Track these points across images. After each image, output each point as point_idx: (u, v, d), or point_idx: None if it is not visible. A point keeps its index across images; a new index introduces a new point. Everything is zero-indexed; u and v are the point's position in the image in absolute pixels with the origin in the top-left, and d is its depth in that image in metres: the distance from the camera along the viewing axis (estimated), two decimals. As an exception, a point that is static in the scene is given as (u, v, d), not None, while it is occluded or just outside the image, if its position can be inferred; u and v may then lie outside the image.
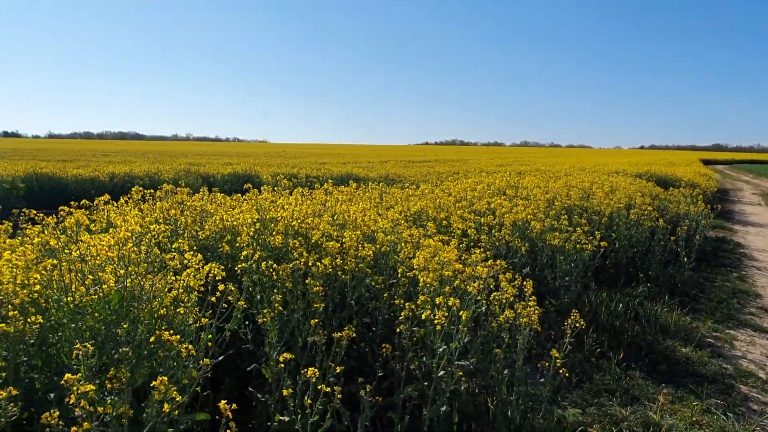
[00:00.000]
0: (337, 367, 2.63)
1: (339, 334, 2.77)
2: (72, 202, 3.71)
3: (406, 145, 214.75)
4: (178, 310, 2.30)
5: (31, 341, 1.92)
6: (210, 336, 2.30)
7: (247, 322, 3.13)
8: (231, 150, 50.78)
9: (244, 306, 3.02)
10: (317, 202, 4.74)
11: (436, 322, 2.91)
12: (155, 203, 3.98)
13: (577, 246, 5.45)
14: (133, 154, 31.28)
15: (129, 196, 4.16)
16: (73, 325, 1.89)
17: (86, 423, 1.48)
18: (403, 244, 3.93)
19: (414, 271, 3.45)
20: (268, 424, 2.91)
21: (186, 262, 2.37)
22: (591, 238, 5.72)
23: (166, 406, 1.69)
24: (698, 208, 9.04)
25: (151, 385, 1.67)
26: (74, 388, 1.50)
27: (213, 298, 2.32)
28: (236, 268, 3.13)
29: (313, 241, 3.75)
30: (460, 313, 2.96)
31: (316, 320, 2.92)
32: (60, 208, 3.29)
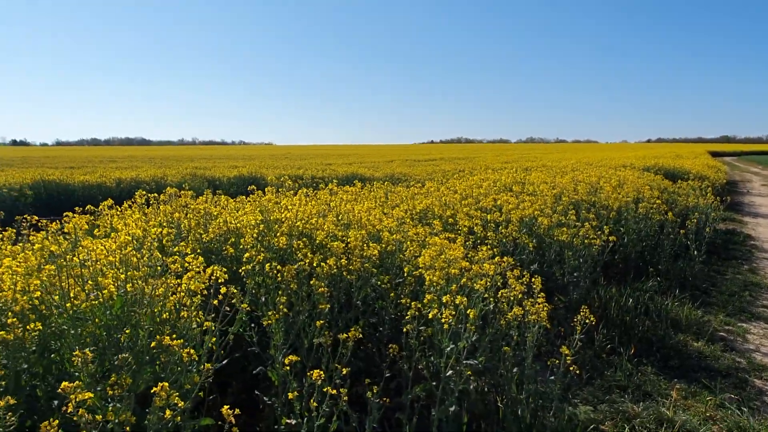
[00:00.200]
0: (344, 369, 2.60)
1: (345, 335, 2.73)
2: (77, 208, 3.70)
3: (412, 144, 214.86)
4: (181, 314, 2.27)
5: (32, 348, 1.90)
6: (213, 340, 2.27)
7: (253, 325, 3.11)
8: (237, 153, 50.93)
9: (249, 309, 3.00)
10: (322, 202, 4.71)
11: (443, 320, 2.86)
12: (159, 207, 3.96)
13: (586, 241, 5.39)
14: (140, 160, 31.43)
15: (133, 200, 4.15)
16: (73, 332, 1.87)
17: (86, 431, 1.46)
18: (408, 242, 3.89)
19: (420, 270, 3.41)
20: (276, 427, 2.88)
21: (187, 265, 2.35)
22: (599, 232, 5.65)
23: (168, 412, 1.66)
24: (707, 201, 8.93)
25: (152, 391, 1.64)
26: (72, 396, 1.47)
27: (215, 302, 2.29)
28: (240, 271, 3.11)
29: (317, 241, 3.72)
30: (468, 312, 2.92)
31: (321, 321, 2.89)
32: (64, 214, 3.28)
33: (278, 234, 3.56)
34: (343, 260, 3.36)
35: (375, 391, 2.64)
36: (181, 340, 1.98)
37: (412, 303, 3.05)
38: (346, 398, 2.37)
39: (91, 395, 1.49)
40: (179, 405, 1.68)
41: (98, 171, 18.75)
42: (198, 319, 2.28)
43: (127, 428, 1.70)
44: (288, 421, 2.81)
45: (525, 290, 3.36)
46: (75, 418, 1.44)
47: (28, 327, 1.89)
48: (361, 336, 2.83)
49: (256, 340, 3.09)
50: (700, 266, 7.63)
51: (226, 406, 1.74)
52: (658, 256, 7.36)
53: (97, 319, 1.93)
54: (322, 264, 3.24)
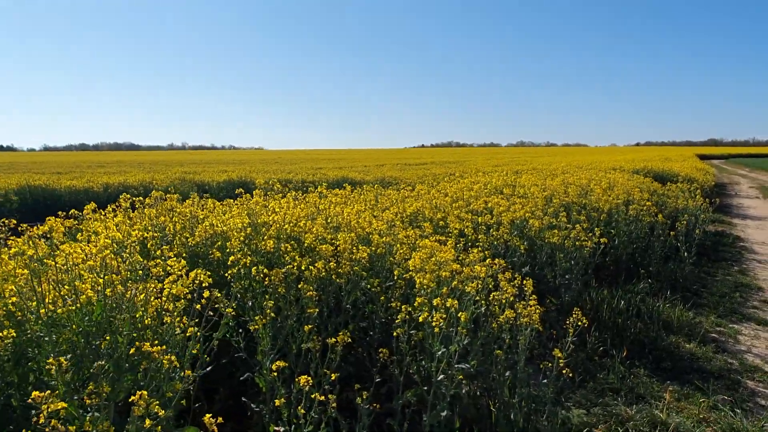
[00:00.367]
0: (333, 374, 2.54)
1: (334, 339, 2.67)
2: (60, 213, 3.62)
3: (402, 148, 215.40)
4: (164, 319, 2.20)
5: (6, 357, 1.82)
6: (197, 345, 2.20)
7: (240, 330, 3.04)
8: (227, 158, 50.72)
9: (236, 313, 2.93)
10: (311, 205, 4.65)
11: (434, 324, 2.81)
12: (144, 210, 3.88)
13: (577, 243, 5.36)
14: (129, 165, 31.19)
15: (117, 203, 4.06)
16: (47, 338, 1.79)
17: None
18: (398, 245, 3.84)
19: (411, 273, 3.36)
20: (263, 434, 2.81)
21: (169, 269, 2.27)
22: (590, 234, 5.64)
23: (147, 421, 1.59)
24: (697, 203, 8.96)
25: (129, 399, 1.57)
26: (44, 406, 1.40)
27: (198, 306, 2.22)
28: (226, 274, 3.04)
29: (306, 244, 3.66)
30: (459, 315, 2.87)
31: (310, 326, 2.83)
32: (47, 218, 3.19)
33: (266, 237, 3.49)
34: (332, 263, 3.30)
35: (365, 396, 2.59)
36: (163, 347, 1.91)
37: (403, 306, 2.99)
38: (335, 404, 2.31)
39: (64, 405, 1.42)
40: (160, 414, 1.61)
41: (85, 176, 18.57)
42: (181, 325, 2.21)
43: (106, 438, 1.63)
44: (276, 428, 2.75)
45: (517, 293, 3.32)
46: (47, 430, 1.37)
47: (1, 334, 1.82)
48: (350, 340, 2.77)
49: (244, 346, 3.02)
50: (690, 268, 7.64)
51: (208, 415, 1.68)
52: (649, 258, 7.36)
53: (74, 326, 1.85)
54: (311, 267, 3.18)
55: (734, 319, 5.94)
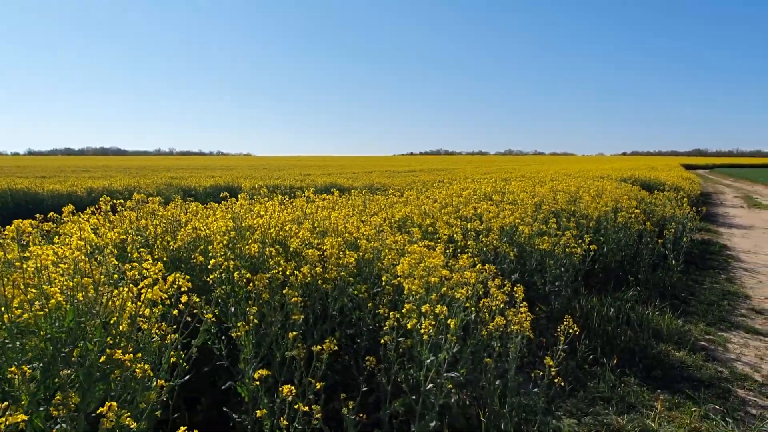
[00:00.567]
0: (318, 384, 2.44)
1: (320, 347, 2.58)
2: (37, 215, 3.49)
3: (391, 155, 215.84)
4: (140, 325, 2.09)
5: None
6: (173, 353, 2.09)
7: (223, 337, 2.94)
8: (215, 163, 50.37)
9: (218, 319, 2.82)
10: (297, 209, 4.55)
11: (423, 331, 2.73)
12: (124, 213, 3.76)
13: (567, 250, 5.32)
14: (115, 170, 30.82)
15: (97, 206, 3.93)
16: (11, 345, 1.68)
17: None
18: (387, 250, 3.76)
19: (399, 279, 3.28)
20: (245, 446, 2.70)
21: (145, 272, 2.16)
22: (580, 241, 5.59)
23: (117, 434, 1.49)
24: (684, 211, 8.99)
25: (98, 411, 1.47)
26: (2, 419, 1.29)
27: (175, 312, 2.11)
28: (208, 279, 2.94)
29: (291, 249, 3.56)
30: (449, 322, 2.79)
31: (294, 333, 2.73)
32: (14, 221, 3.06)
33: (250, 241, 3.39)
34: (318, 268, 3.21)
35: (351, 406, 2.49)
36: (138, 354, 1.81)
37: (391, 313, 2.91)
38: (319, 415, 2.21)
39: (24, 417, 1.31)
40: (132, 426, 1.51)
41: (69, 180, 18.28)
42: (159, 331, 2.10)
43: (75, 452, 1.53)
44: (258, 440, 2.64)
45: (507, 300, 3.25)
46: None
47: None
48: (336, 348, 2.68)
49: (226, 353, 2.92)
50: (678, 276, 7.64)
51: (183, 428, 1.57)
52: (638, 266, 7.35)
53: (42, 332, 1.74)
54: (296, 272, 3.08)
55: (723, 327, 5.93)
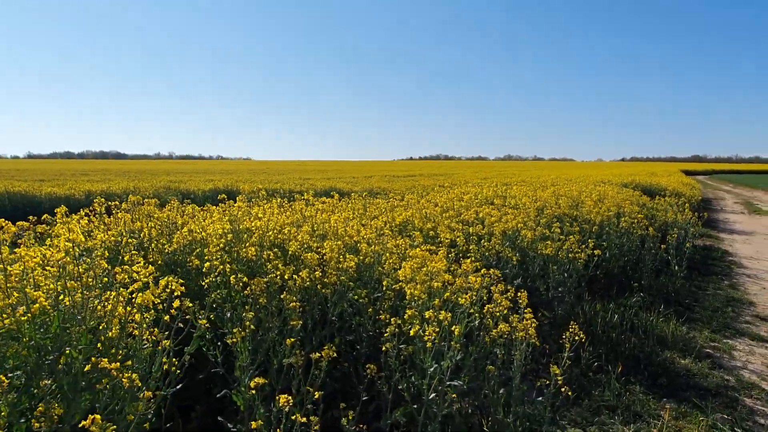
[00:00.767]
0: (317, 392, 2.35)
1: (318, 354, 2.49)
2: (30, 217, 3.40)
3: (391, 160, 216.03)
4: (133, 332, 2.00)
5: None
6: (165, 361, 1.99)
7: (218, 343, 2.85)
8: (214, 168, 50.35)
9: (214, 325, 2.73)
10: (296, 212, 4.46)
11: (426, 338, 2.63)
12: (119, 215, 3.67)
13: (570, 255, 5.23)
14: (114, 173, 30.75)
15: (92, 208, 3.84)
16: (-9, 353, 1.59)
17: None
18: (388, 254, 3.66)
19: (400, 283, 3.19)
20: (240, 457, 2.60)
21: (135, 275, 2.07)
22: (584, 246, 5.50)
23: (103, 448, 1.40)
24: (686, 216, 8.90)
25: (81, 425, 1.37)
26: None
27: (167, 317, 2.02)
28: (203, 283, 2.84)
29: (290, 252, 3.47)
30: (452, 328, 2.70)
31: (293, 339, 2.64)
32: (17, 223, 2.98)
33: (247, 244, 3.30)
34: (317, 273, 3.12)
35: (351, 416, 2.40)
36: (128, 362, 1.72)
37: (392, 319, 2.82)
38: (317, 426, 2.12)
39: (2, 431, 1.22)
40: (118, 439, 1.42)
41: (68, 183, 18.21)
42: (152, 338, 2.01)
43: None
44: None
45: (511, 305, 3.16)
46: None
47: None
48: (336, 355, 2.59)
49: (222, 360, 2.82)
50: (681, 282, 7.55)
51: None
52: (641, 271, 7.26)
53: (25, 339, 1.65)
54: (295, 276, 2.99)
55: (728, 334, 5.83)
